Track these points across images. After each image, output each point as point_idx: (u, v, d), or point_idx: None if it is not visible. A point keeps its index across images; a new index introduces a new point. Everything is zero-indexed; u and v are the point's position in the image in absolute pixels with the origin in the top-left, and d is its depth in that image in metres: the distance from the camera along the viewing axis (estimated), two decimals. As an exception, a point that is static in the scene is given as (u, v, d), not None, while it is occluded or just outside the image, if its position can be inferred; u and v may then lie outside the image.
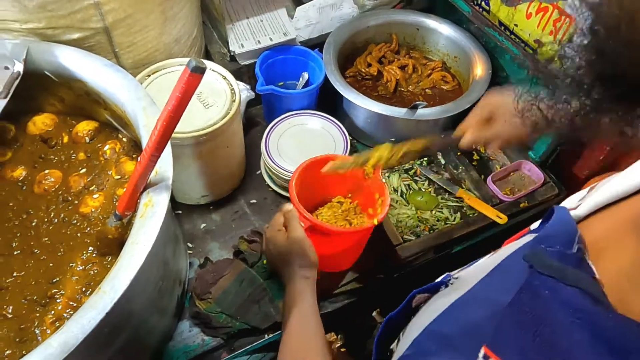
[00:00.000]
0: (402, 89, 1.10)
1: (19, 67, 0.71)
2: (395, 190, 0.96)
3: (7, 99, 0.69)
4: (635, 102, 0.27)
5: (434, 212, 0.93)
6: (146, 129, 0.66)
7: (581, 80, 0.29)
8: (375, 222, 0.74)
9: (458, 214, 0.92)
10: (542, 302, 0.31)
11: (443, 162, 1.01)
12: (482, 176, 0.98)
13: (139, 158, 0.57)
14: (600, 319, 0.29)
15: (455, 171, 0.99)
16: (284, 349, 0.63)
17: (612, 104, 0.28)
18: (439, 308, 0.39)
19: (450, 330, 0.36)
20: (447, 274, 0.45)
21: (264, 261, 0.84)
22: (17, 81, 0.71)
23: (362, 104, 0.95)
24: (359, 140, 1.07)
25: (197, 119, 0.81)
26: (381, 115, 0.96)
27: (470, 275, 0.41)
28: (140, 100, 0.68)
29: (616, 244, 0.33)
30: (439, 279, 0.45)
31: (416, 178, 0.99)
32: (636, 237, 0.32)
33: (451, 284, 0.43)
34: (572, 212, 0.38)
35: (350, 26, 1.10)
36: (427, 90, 1.10)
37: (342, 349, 1.42)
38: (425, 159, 1.02)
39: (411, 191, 0.96)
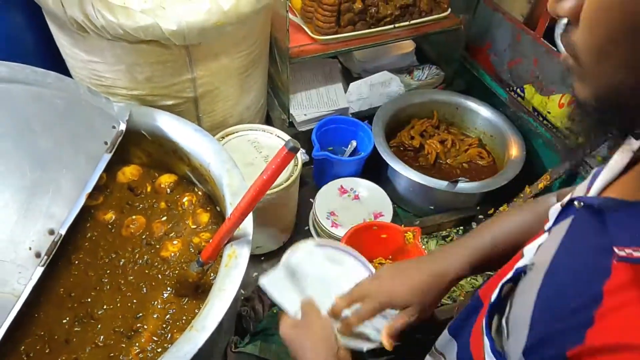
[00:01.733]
0: (441, 162, 1.20)
1: (123, 127, 0.84)
2: (433, 256, 1.04)
3: (112, 153, 0.81)
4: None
5: (469, 279, 1.00)
6: (229, 188, 0.76)
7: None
8: None
9: (492, 283, 0.99)
10: None
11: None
12: (515, 248, 1.05)
13: (228, 214, 0.68)
14: None
15: (489, 242, 1.07)
16: None
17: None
18: (535, 286, 0.43)
19: (562, 287, 0.40)
20: (521, 265, 0.49)
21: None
22: (120, 138, 0.83)
23: (406, 174, 1.05)
24: (400, 205, 1.16)
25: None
26: (423, 185, 1.05)
27: (541, 259, 0.46)
28: (225, 163, 0.79)
29: None
30: (513, 271, 0.49)
31: (452, 245, 1.06)
32: None
33: (530, 269, 0.47)
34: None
35: (397, 102, 1.22)
36: (464, 164, 1.20)
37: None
38: (462, 227, 1.10)
39: (448, 257, 1.04)
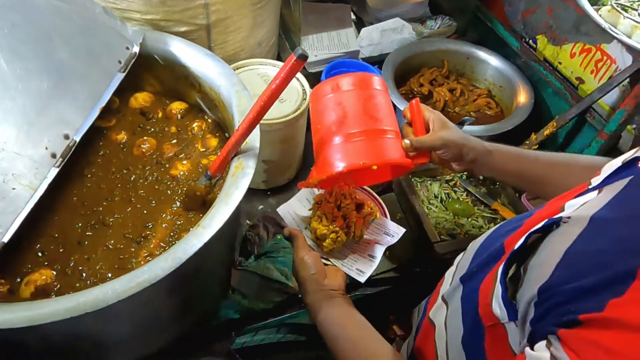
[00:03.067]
0: (449, 110, 1.21)
1: (136, 49, 0.85)
2: (436, 197, 1.06)
3: (125, 73, 0.83)
4: None
5: (469, 219, 1.02)
6: (238, 108, 0.78)
7: None
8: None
9: (492, 224, 1.01)
10: None
11: (481, 177, 1.11)
12: (517, 194, 1.07)
13: (236, 126, 0.69)
14: None
15: (492, 187, 1.08)
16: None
17: None
18: (569, 238, 0.42)
19: (602, 247, 0.38)
20: (555, 217, 0.47)
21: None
22: (133, 60, 0.85)
23: (414, 116, 1.06)
24: (406, 150, 1.17)
25: (272, 111, 0.93)
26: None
27: (582, 214, 0.44)
28: (234, 86, 0.81)
29: None
30: (544, 221, 0.47)
31: (455, 189, 1.08)
32: None
33: (564, 222, 0.45)
34: None
35: (408, 49, 1.22)
36: (471, 113, 1.21)
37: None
38: (465, 173, 1.11)
39: (450, 199, 1.06)
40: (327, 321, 0.71)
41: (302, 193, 0.86)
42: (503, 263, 0.48)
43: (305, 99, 0.97)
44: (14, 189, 0.60)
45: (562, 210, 0.50)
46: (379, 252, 0.83)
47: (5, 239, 0.58)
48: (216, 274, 0.79)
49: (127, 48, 0.84)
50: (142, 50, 0.86)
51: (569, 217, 0.45)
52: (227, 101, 0.81)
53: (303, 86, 0.99)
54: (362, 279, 0.79)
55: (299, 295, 0.76)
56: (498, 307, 0.47)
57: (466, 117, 1.04)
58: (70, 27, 0.76)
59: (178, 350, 0.81)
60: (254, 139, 0.73)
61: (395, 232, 0.84)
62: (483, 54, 1.24)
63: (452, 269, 0.71)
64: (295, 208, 0.84)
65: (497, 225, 0.69)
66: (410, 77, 1.24)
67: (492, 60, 1.23)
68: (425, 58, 1.26)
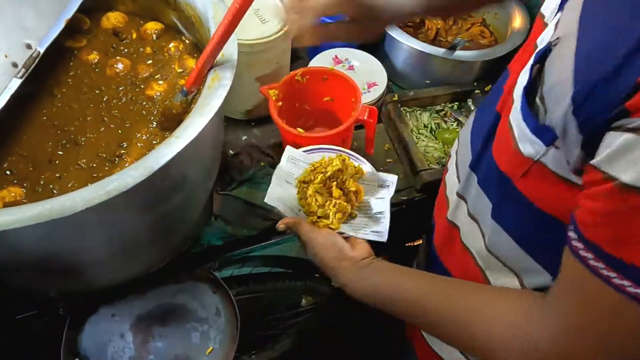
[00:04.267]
0: (442, 39, 1.16)
1: (104, -40, 0.79)
2: (425, 127, 1.02)
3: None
4: None
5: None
6: (214, 20, 0.73)
7: None
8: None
9: (482, 153, 0.99)
10: None
11: (472, 107, 1.07)
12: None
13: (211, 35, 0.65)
14: None
15: (483, 116, 1.05)
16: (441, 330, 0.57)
17: None
18: (569, 47, 0.43)
19: (608, 30, 0.40)
20: (541, 48, 0.48)
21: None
22: (101, -28, 0.79)
23: (406, 41, 1.02)
24: (395, 82, 1.13)
25: (253, 31, 0.88)
26: (421, 54, 1.02)
27: (566, 30, 0.45)
28: (210, -3, 0.75)
29: None
30: (536, 53, 0.49)
31: (446, 119, 1.05)
32: None
33: (555, 45, 0.46)
34: None
35: (399, -26, 1.15)
36: (457, 40, 1.16)
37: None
38: (457, 103, 1.08)
39: (440, 129, 1.03)
40: (381, 289, 0.61)
41: (277, 177, 0.72)
42: (521, 100, 0.48)
43: (289, 20, 0.92)
44: (-29, 95, 0.56)
45: (536, 47, 0.51)
46: (384, 205, 0.73)
47: (-36, 147, 0.54)
48: (195, 196, 0.77)
49: (92, -42, 0.78)
50: (110, -37, 0.80)
51: (557, 38, 0.46)
52: (203, 15, 0.75)
53: (287, 7, 0.93)
54: (383, 238, 0.68)
55: (332, 284, 0.66)
56: (529, 144, 0.47)
57: (458, 40, 0.99)
58: None
59: (160, 275, 0.80)
60: (232, 51, 0.68)
61: (390, 181, 0.76)
62: (478, -20, 1.17)
63: (452, 166, 0.72)
64: (280, 194, 0.71)
65: (479, 107, 0.70)
66: (402, 5, 1.18)
67: (488, -14, 1.17)
68: (417, -16, 1.19)
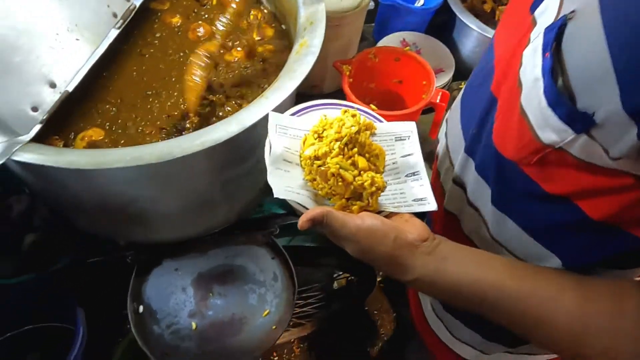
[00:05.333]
0: (511, 31, 1.14)
1: None
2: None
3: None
4: None
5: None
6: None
7: None
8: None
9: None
10: None
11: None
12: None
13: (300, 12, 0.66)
14: None
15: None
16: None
17: None
18: (590, 33, 0.38)
19: None
20: (555, 21, 0.42)
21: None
22: None
23: (477, 28, 1.00)
24: (461, 70, 1.12)
25: (330, 4, 0.88)
26: (492, 43, 1.00)
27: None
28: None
29: None
30: (550, 26, 0.42)
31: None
32: None
33: (570, 19, 0.40)
34: None
35: (473, -38, 1.14)
36: (534, 36, 1.13)
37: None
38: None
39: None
40: (463, 286, 0.49)
41: (273, 159, 0.53)
42: (542, 88, 0.42)
43: (365, -3, 0.92)
44: (77, 39, 0.59)
45: (535, 22, 0.45)
46: (417, 162, 0.57)
47: (70, 87, 0.57)
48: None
49: None
50: None
51: (572, 11, 0.40)
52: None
53: (364, -16, 0.93)
54: (433, 205, 0.53)
55: (401, 279, 0.51)
56: (552, 132, 0.42)
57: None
58: None
59: (222, 237, 0.82)
60: (320, 18, 0.69)
61: (408, 129, 0.60)
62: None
63: (443, 151, 0.68)
64: (285, 182, 0.52)
65: (464, 89, 0.65)
66: (472, -6, 1.17)
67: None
68: (490, -26, 1.17)
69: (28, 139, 0.52)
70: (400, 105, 0.96)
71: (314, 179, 0.53)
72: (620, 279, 0.49)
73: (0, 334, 0.75)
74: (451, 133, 0.66)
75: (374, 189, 0.51)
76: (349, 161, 0.53)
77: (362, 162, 0.54)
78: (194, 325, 0.74)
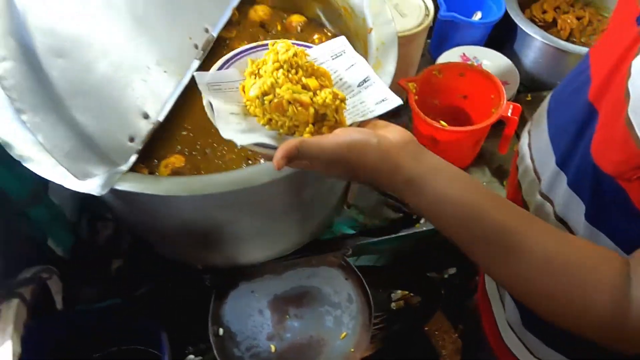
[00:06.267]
0: (574, 39, 1.10)
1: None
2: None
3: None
4: None
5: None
6: (370, 10, 0.75)
7: None
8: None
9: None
10: None
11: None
12: None
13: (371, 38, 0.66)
14: None
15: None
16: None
17: None
18: None
19: None
20: None
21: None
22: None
23: (542, 38, 0.98)
24: (524, 83, 1.09)
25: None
26: (559, 53, 0.98)
27: None
28: (365, -13, 0.77)
29: None
30: None
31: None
32: None
33: None
34: None
35: (531, -27, 1.12)
36: (600, 43, 1.10)
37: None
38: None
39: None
40: (447, 196, 0.46)
41: (218, 114, 0.50)
42: None
43: (428, 15, 0.92)
44: (165, 72, 0.62)
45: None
46: (363, 69, 0.56)
47: (161, 117, 0.59)
48: (340, 182, 0.78)
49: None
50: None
51: None
52: (358, 5, 0.77)
53: (425, 2, 0.94)
54: (396, 100, 0.52)
55: (391, 183, 0.47)
56: None
57: (607, 38, 0.94)
58: None
59: (295, 258, 0.82)
60: (392, 39, 0.69)
61: (339, 44, 0.59)
62: (618, -22, 1.11)
63: (527, 163, 0.65)
64: (238, 128, 0.50)
65: (549, 101, 0.63)
66: (531, 5, 1.14)
67: (630, -15, 1.10)
68: (549, -17, 1.15)
69: (126, 168, 0.54)
70: (464, 119, 0.95)
71: (270, 120, 0.50)
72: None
73: (86, 356, 0.78)
74: (536, 145, 0.64)
75: (337, 102, 0.49)
76: (298, 85, 0.50)
77: (312, 82, 0.51)
78: (273, 347, 0.74)
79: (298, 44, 0.58)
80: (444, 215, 0.47)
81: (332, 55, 0.58)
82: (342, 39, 0.59)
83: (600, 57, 0.54)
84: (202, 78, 0.53)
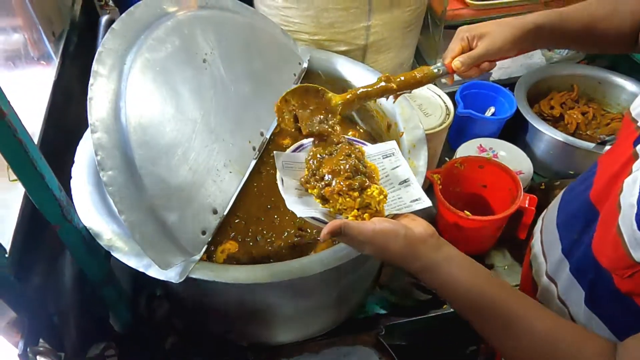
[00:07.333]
0: (581, 132, 1.21)
1: (305, 64, 0.97)
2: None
3: (297, 84, 0.94)
4: None
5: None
6: (402, 116, 0.86)
7: None
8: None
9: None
10: None
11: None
12: None
13: (401, 129, 0.77)
14: None
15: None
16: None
17: None
18: None
19: None
20: None
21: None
22: (303, 74, 0.96)
23: (551, 133, 1.09)
24: (537, 171, 1.19)
25: (419, 123, 1.01)
26: (567, 146, 1.08)
27: None
28: (396, 96, 0.89)
29: None
30: None
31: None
32: None
33: None
34: None
35: (539, 73, 1.26)
36: (605, 136, 1.20)
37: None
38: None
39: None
40: (461, 285, 0.56)
41: (286, 189, 0.63)
42: (635, 214, 0.47)
43: (448, 115, 1.03)
44: (230, 172, 0.71)
45: (637, 155, 0.51)
46: (405, 171, 0.68)
47: (225, 212, 0.68)
48: (374, 266, 0.86)
49: (299, 63, 0.96)
50: (308, 65, 0.98)
51: None
52: (390, 111, 0.89)
53: (446, 103, 1.06)
54: (427, 202, 0.63)
55: (410, 267, 0.57)
56: None
57: (611, 137, 1.04)
58: (260, 42, 0.88)
59: (330, 337, 0.88)
60: (422, 140, 0.80)
61: (390, 147, 0.71)
62: (617, 79, 1.24)
63: (537, 247, 0.72)
64: (303, 203, 0.62)
65: (562, 195, 0.72)
66: (539, 100, 1.27)
67: (628, 85, 1.22)
68: (555, 82, 1.28)
69: (199, 258, 0.63)
70: (484, 205, 1.03)
71: (325, 200, 0.62)
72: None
73: None
74: (547, 231, 0.71)
75: (382, 197, 0.61)
76: (355, 180, 0.61)
77: (362, 178, 0.61)
78: None
79: (356, 141, 0.73)
80: (454, 295, 0.57)
81: (383, 155, 0.71)
82: (393, 143, 0.72)
83: (604, 166, 0.62)
84: (279, 157, 0.67)
